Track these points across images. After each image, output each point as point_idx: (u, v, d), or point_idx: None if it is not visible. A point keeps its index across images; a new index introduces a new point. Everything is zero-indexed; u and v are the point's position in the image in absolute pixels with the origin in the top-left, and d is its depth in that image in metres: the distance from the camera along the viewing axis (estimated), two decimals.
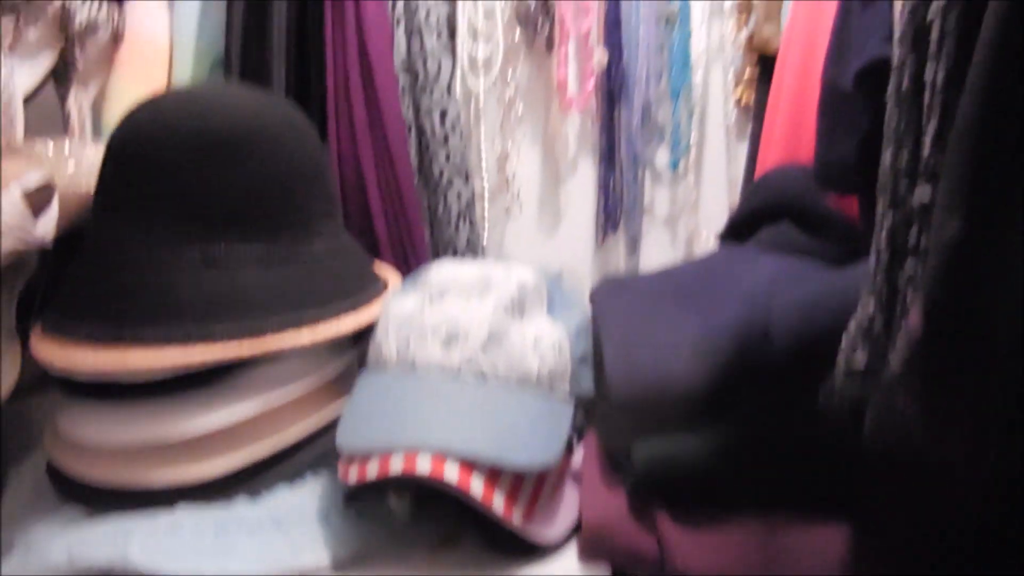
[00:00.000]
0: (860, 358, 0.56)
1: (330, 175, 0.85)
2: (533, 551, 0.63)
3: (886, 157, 0.60)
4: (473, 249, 1.08)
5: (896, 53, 0.59)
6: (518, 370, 0.68)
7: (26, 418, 0.80)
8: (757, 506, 0.59)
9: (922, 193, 0.54)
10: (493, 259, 1.01)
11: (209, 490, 0.66)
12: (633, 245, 1.15)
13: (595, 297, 0.86)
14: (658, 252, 1.18)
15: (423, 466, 0.58)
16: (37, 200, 0.71)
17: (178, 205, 0.70)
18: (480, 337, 0.68)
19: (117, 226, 0.71)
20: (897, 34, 0.61)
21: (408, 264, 1.07)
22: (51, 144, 0.82)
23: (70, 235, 0.75)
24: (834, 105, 0.87)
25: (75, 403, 0.69)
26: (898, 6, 0.74)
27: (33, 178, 0.71)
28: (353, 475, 0.61)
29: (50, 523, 0.64)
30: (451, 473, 0.58)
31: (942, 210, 0.50)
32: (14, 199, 0.68)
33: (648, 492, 0.61)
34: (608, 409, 0.70)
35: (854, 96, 0.83)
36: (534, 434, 0.65)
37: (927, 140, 0.54)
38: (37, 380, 0.72)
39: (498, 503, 0.59)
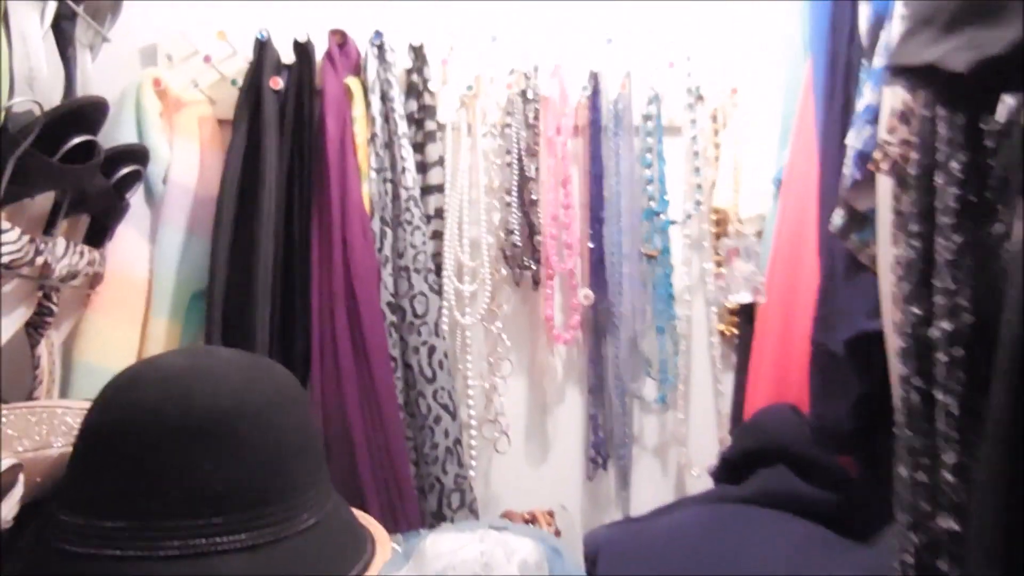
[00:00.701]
0: None
1: (319, 437, 0.81)
2: None
3: (901, 472, 0.59)
4: (460, 488, 1.04)
5: (899, 366, 0.60)
6: None
7: None
8: None
9: (947, 523, 0.53)
10: (489, 523, 0.94)
11: None
12: (623, 479, 1.12)
13: (598, 561, 0.82)
14: (648, 484, 1.16)
15: None
16: (3, 482, 0.67)
17: (158, 496, 0.64)
18: None
19: (90, 514, 0.66)
20: (896, 342, 0.63)
21: (393, 507, 1.02)
22: (18, 412, 0.78)
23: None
24: (825, 367, 0.88)
25: None
26: (884, 286, 0.78)
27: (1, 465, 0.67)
28: None
29: None
30: None
31: (978, 561, 0.49)
32: None
33: None
34: None
35: (845, 360, 0.85)
36: None
37: (947, 470, 0.53)
38: None
39: None
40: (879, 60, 0.76)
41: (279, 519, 0.71)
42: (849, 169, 0.79)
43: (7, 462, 0.68)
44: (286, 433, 0.73)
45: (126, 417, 0.68)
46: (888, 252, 0.77)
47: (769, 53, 1.04)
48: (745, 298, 0.81)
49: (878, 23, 0.79)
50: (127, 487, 0.66)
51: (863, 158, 0.77)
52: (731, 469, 0.98)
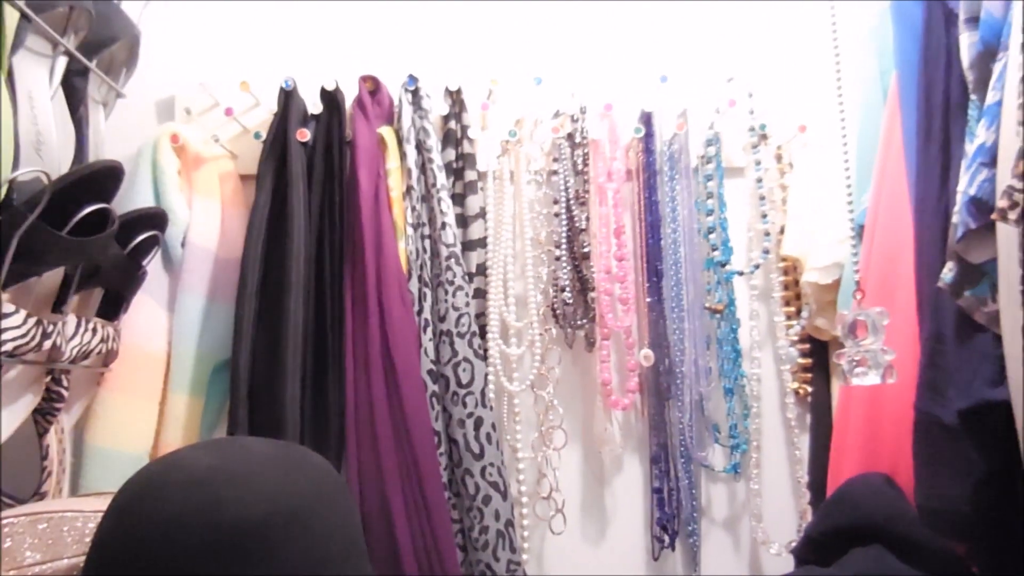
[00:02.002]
0: None
1: (361, 535, 0.71)
2: None
3: None
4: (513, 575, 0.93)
5: None
6: None
7: None
8: None
9: None
10: None
11: None
12: (693, 558, 1.01)
13: None
14: (721, 563, 1.05)
15: None
16: None
17: None
18: None
19: None
20: None
21: None
22: (26, 519, 0.69)
23: None
24: (934, 439, 0.77)
25: None
26: (1011, 349, 0.68)
27: None
28: None
29: None
30: None
31: None
32: None
33: None
34: None
35: (958, 433, 0.74)
36: None
37: None
38: None
39: None
40: (994, 95, 0.66)
41: None
42: (961, 217, 0.69)
43: None
44: (326, 539, 0.64)
45: (146, 530, 0.60)
46: (1016, 313, 0.68)
47: (841, 87, 0.96)
48: (873, 380, 0.70)
49: (988, 53, 0.69)
50: None
51: (978, 205, 0.67)
52: (817, 548, 0.88)
